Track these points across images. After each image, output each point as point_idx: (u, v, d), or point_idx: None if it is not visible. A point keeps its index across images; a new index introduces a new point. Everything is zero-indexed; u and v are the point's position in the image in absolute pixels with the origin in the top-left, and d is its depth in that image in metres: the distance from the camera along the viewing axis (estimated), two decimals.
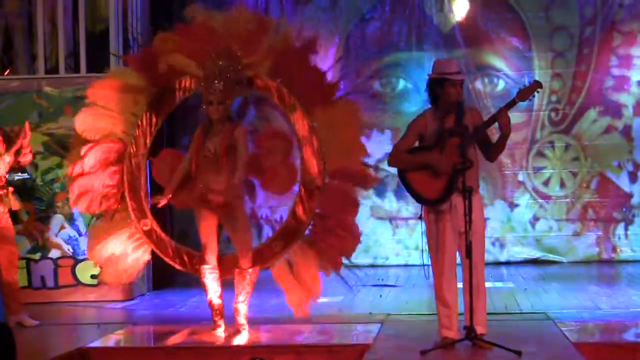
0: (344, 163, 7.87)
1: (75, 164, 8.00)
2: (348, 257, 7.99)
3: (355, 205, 7.98)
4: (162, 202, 7.59)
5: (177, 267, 8.10)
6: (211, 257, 7.65)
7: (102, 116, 8.03)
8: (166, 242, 8.09)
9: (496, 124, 6.77)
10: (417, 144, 6.96)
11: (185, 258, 8.06)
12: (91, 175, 7.98)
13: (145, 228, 7.98)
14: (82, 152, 7.98)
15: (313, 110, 7.88)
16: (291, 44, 7.89)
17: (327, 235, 7.91)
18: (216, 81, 7.39)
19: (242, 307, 7.64)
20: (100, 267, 8.18)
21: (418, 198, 6.92)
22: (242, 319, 7.63)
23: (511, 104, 6.73)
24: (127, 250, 8.02)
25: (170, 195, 7.57)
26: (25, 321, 8.32)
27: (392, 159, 7.01)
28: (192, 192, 7.51)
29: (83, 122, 8.04)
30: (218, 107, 7.42)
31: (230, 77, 7.45)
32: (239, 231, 7.61)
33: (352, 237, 7.95)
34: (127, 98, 8.03)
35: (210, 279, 7.66)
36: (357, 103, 8.14)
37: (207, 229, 7.59)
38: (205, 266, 7.64)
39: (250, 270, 7.58)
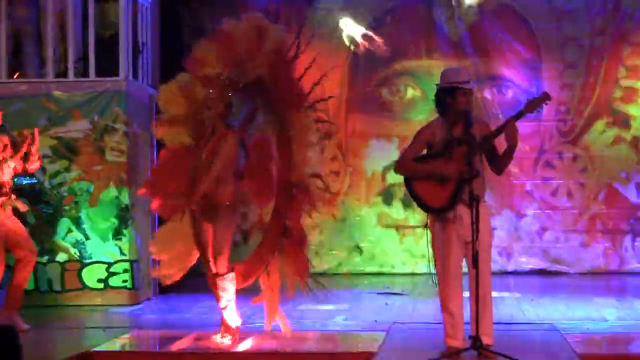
0: (300, 174, 7.71)
1: (154, 170, 7.91)
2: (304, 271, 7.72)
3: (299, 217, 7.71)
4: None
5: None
6: (206, 265, 7.64)
7: (175, 123, 7.92)
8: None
9: (503, 135, 6.77)
10: (424, 152, 6.96)
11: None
12: (166, 178, 7.91)
13: None
14: (159, 156, 7.93)
15: (288, 117, 7.72)
16: (282, 51, 7.81)
17: (290, 245, 7.71)
18: (212, 89, 7.43)
19: (224, 314, 7.56)
20: (161, 264, 8.04)
21: (424, 206, 6.92)
22: (225, 327, 7.57)
23: (519, 115, 6.72)
24: (183, 250, 7.96)
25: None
26: (18, 323, 8.30)
27: (399, 166, 7.02)
28: None
29: (161, 130, 7.94)
30: (209, 112, 7.45)
31: (227, 84, 7.47)
32: (215, 234, 7.53)
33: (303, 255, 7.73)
34: (192, 103, 7.92)
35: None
36: (311, 116, 7.97)
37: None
38: None
39: (223, 276, 7.50)
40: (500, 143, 6.87)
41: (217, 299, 7.59)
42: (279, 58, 7.71)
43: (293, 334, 7.73)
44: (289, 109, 7.71)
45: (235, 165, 7.52)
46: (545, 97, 6.76)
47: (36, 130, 8.76)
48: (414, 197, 6.94)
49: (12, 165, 8.46)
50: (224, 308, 7.54)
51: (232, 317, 7.54)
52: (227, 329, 7.54)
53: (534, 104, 6.75)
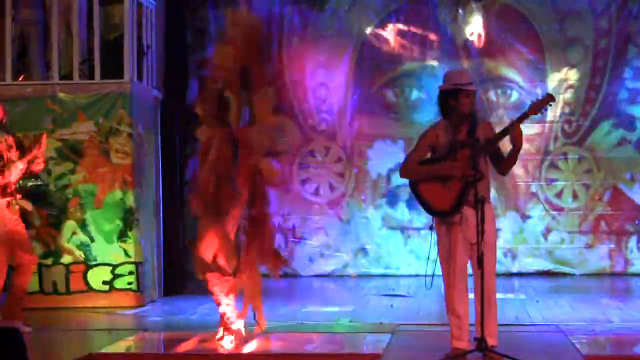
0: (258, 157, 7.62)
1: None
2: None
3: (266, 200, 7.67)
4: None
5: None
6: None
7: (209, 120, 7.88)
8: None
9: (508, 137, 6.77)
10: (429, 155, 6.96)
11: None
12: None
13: None
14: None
15: (252, 102, 7.64)
16: (252, 36, 7.75)
17: (258, 235, 7.67)
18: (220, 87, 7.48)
19: (224, 316, 7.55)
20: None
21: (429, 209, 6.91)
22: (226, 329, 7.54)
23: (523, 117, 6.73)
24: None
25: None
26: (19, 326, 8.30)
27: (403, 170, 7.01)
28: None
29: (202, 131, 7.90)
30: (202, 112, 7.49)
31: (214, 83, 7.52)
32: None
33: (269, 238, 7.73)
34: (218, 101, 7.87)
35: None
36: (271, 92, 7.89)
37: None
38: None
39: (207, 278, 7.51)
40: (504, 143, 6.88)
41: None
42: (249, 45, 7.66)
43: (298, 336, 7.74)
44: (254, 94, 7.66)
45: (229, 163, 7.50)
46: (549, 99, 6.76)
47: (44, 135, 8.79)
48: (419, 200, 6.94)
49: (20, 167, 8.48)
50: (221, 309, 7.53)
51: (233, 318, 7.53)
52: (228, 330, 7.53)
53: (538, 105, 6.75)
